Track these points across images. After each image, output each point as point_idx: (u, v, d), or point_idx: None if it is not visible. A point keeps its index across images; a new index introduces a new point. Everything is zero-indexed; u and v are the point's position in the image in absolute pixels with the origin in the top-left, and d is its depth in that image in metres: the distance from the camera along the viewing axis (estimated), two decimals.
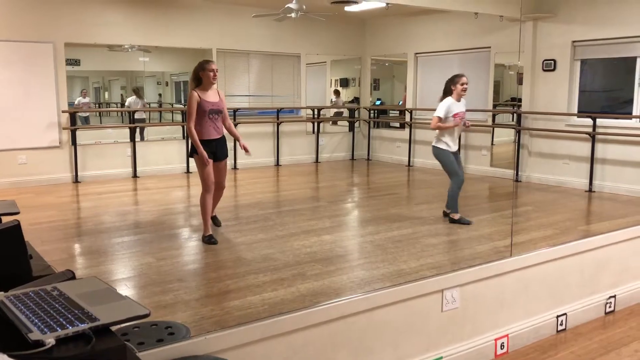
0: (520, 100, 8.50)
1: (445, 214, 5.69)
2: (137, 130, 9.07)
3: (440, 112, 5.52)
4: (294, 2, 7.38)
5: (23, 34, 7.53)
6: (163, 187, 7.76)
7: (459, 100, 5.53)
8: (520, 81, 8.61)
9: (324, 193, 7.78)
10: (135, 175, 8.42)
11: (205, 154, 4.80)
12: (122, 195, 7.31)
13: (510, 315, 3.32)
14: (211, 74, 4.83)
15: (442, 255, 4.50)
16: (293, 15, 7.50)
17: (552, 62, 7.98)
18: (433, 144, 5.69)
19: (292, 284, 3.81)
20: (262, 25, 9.23)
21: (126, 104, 9.36)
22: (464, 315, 3.08)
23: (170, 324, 2.25)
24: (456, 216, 5.55)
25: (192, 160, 5.15)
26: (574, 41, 7.75)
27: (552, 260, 3.51)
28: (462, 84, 5.42)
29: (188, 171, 8.75)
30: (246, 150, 5.07)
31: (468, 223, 5.47)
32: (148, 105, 9.60)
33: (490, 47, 8.80)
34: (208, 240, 4.81)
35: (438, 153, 5.64)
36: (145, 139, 8.96)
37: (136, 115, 9.31)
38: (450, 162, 5.58)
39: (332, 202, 6.76)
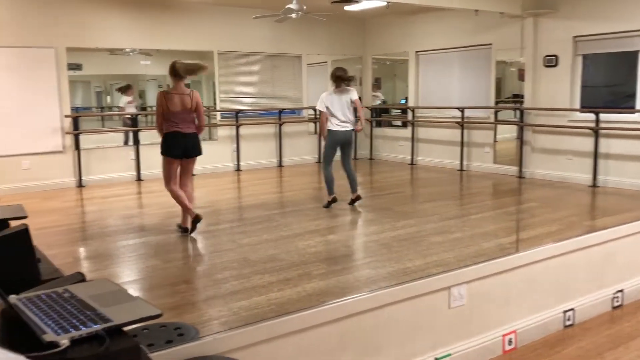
0: (522, 96, 8.49)
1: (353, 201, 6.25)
2: (131, 133, 8.90)
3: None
4: (294, 2, 7.38)
5: (25, 39, 7.55)
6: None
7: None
8: (521, 77, 8.61)
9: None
10: (139, 179, 8.44)
11: None
12: (126, 199, 7.33)
13: (517, 311, 3.32)
14: None
15: (447, 253, 4.49)
16: (293, 15, 7.51)
17: (554, 57, 7.97)
18: (355, 127, 6.21)
19: (298, 283, 3.81)
20: (263, 27, 9.24)
21: (120, 104, 9.31)
22: (471, 312, 3.08)
23: (179, 325, 2.26)
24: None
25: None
26: (575, 36, 7.74)
27: (558, 255, 3.51)
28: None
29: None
30: None
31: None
32: (139, 106, 9.40)
33: (491, 44, 8.79)
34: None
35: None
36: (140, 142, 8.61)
37: (126, 117, 9.24)
38: None
39: (336, 202, 6.75)
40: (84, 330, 1.13)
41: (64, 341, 1.09)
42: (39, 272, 1.77)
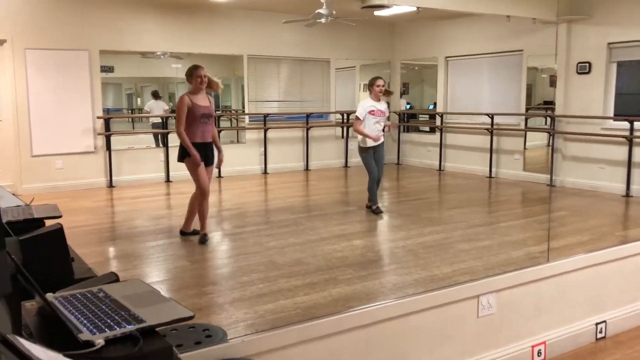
0: (553, 103, 8.36)
1: (368, 207, 6.27)
2: (159, 136, 9.02)
3: (359, 113, 6.06)
4: (324, 7, 7.40)
5: (60, 42, 7.73)
6: None
7: (378, 100, 6.05)
8: (552, 84, 8.47)
9: (353, 197, 7.75)
10: (168, 180, 8.54)
11: (197, 155, 4.87)
12: (155, 200, 7.42)
13: (547, 321, 3.26)
14: (199, 79, 4.85)
15: (475, 260, 4.44)
16: (323, 20, 7.52)
17: (587, 64, 7.83)
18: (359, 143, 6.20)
19: (324, 288, 3.80)
20: (292, 31, 9.29)
21: (145, 108, 9.46)
22: (500, 321, 3.04)
23: (207, 327, 2.28)
24: (374, 205, 6.15)
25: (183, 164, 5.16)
26: (609, 43, 7.59)
27: (590, 266, 3.44)
28: (378, 86, 5.97)
29: (219, 175, 8.83)
30: (219, 163, 5.18)
31: (381, 212, 6.14)
32: (169, 110, 9.52)
33: (522, 50, 8.68)
34: (183, 233, 5.12)
35: (360, 151, 6.18)
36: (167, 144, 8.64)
37: (155, 120, 9.36)
38: (366, 159, 6.12)
39: (362, 207, 6.72)
40: (118, 331, 1.14)
41: (99, 341, 1.10)
42: (73, 271, 1.80)
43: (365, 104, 6.06)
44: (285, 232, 5.39)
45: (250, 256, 4.61)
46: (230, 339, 2.18)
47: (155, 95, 9.45)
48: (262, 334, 2.29)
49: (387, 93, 6.16)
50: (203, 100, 4.95)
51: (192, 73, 4.88)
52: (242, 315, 3.34)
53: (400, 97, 11.06)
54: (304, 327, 2.40)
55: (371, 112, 5.98)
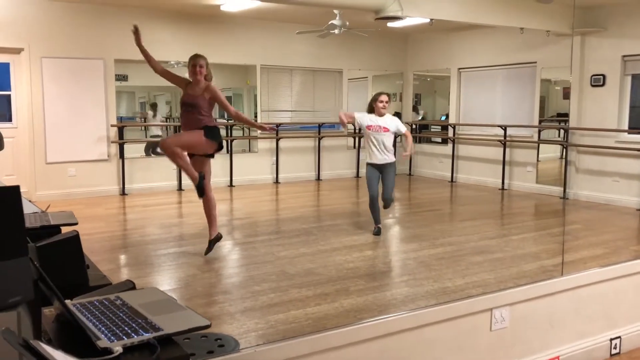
0: (566, 115, 8.32)
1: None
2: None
3: (359, 115, 5.84)
4: (337, 18, 7.44)
5: (76, 50, 7.81)
6: None
7: (381, 115, 5.67)
8: (566, 96, 8.43)
9: (365, 208, 7.70)
10: (180, 189, 8.58)
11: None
12: (167, 208, 7.45)
13: (561, 336, 3.22)
14: (194, 68, 4.83)
15: (487, 273, 4.41)
16: (336, 31, 7.56)
17: (601, 77, 7.79)
18: None
19: (336, 299, 3.80)
20: (305, 42, 9.33)
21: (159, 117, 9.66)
22: (514, 335, 3.00)
23: (219, 336, 2.28)
24: (375, 226, 5.81)
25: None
26: (624, 55, 7.56)
27: (605, 280, 3.40)
28: (381, 102, 5.65)
29: (231, 184, 8.86)
30: (264, 128, 5.11)
31: (378, 234, 5.75)
32: (164, 120, 9.93)
33: (536, 62, 8.66)
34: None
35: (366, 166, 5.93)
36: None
37: (154, 131, 9.50)
38: (367, 176, 5.82)
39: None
40: (136, 338, 1.15)
41: (118, 348, 1.11)
42: (88, 278, 1.81)
43: (367, 115, 5.72)
44: (296, 242, 5.39)
45: (262, 266, 4.62)
46: (243, 348, 2.18)
47: (153, 107, 9.61)
48: (274, 344, 2.28)
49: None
50: (193, 89, 4.76)
51: (189, 62, 4.91)
52: (254, 325, 3.34)
53: (413, 110, 11.06)
54: (315, 338, 2.39)
55: (368, 127, 5.62)
